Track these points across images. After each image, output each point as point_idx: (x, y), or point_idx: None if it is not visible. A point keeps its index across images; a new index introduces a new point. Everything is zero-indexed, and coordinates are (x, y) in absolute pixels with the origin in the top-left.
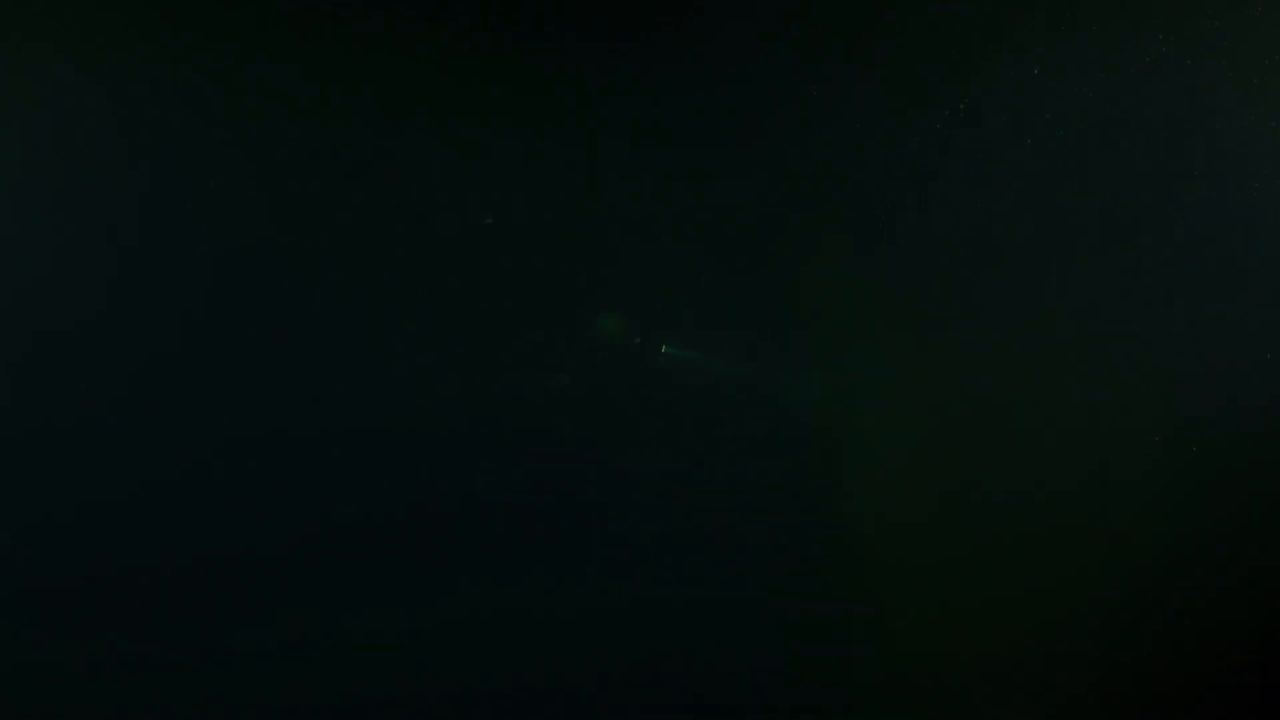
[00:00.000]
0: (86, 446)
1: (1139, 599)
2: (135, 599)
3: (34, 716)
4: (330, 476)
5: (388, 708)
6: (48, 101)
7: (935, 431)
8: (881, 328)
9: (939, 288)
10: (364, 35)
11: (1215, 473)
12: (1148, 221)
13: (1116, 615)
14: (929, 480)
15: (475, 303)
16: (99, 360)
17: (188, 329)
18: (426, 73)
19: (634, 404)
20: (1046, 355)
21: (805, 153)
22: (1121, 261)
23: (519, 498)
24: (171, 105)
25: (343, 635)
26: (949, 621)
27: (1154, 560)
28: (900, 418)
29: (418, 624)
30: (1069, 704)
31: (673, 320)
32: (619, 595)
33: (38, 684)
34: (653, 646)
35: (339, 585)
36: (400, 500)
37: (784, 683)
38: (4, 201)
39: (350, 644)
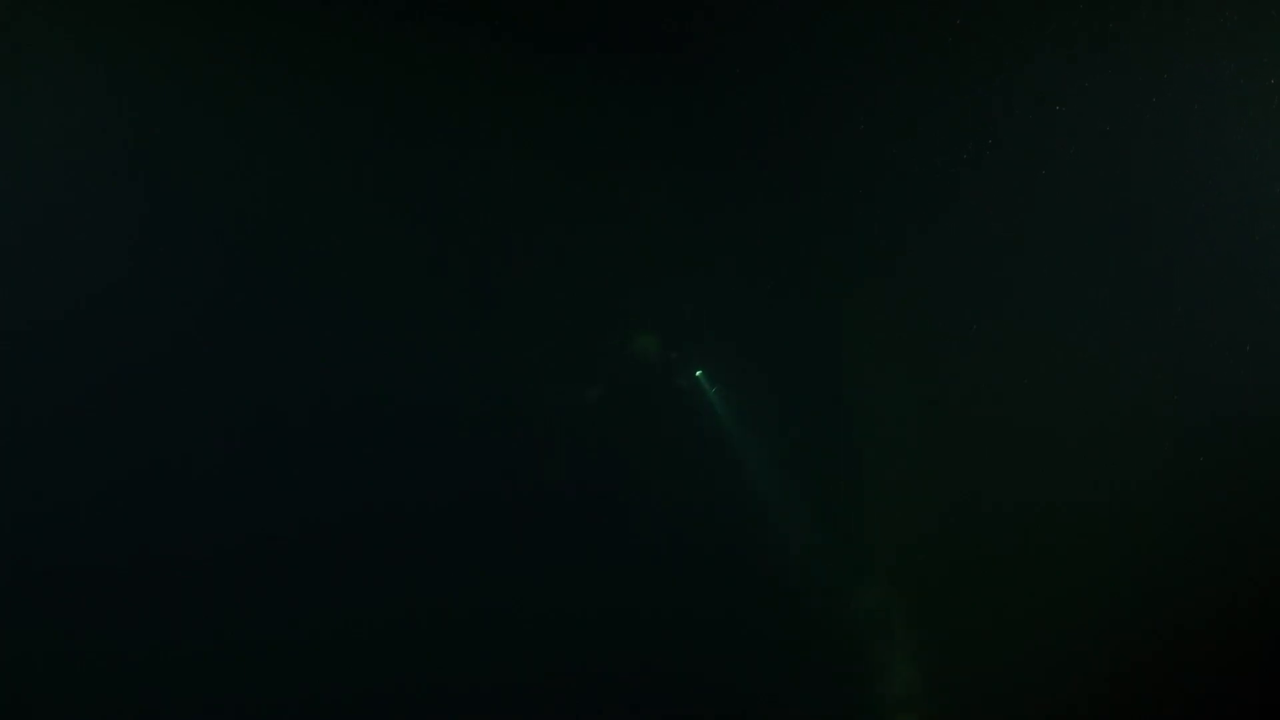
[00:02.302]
0: (91, 444)
1: (1148, 604)
2: (149, 592)
3: (35, 712)
4: (360, 480)
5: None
6: (53, 101)
7: (951, 439)
8: (897, 338)
9: (955, 300)
10: (415, 55)
11: (1228, 479)
12: (1160, 235)
13: (1126, 620)
14: (943, 486)
15: (509, 316)
16: (107, 358)
17: (223, 330)
18: (468, 89)
19: (659, 419)
20: (1059, 364)
21: (831, 171)
22: (1136, 274)
23: (544, 504)
24: (198, 111)
25: (357, 629)
26: (960, 625)
27: (1163, 565)
28: (915, 426)
29: (437, 618)
30: (1078, 707)
31: (702, 336)
32: (638, 600)
33: (38, 678)
34: (664, 647)
35: (358, 582)
36: (427, 503)
37: (796, 681)
38: (10, 201)
39: (360, 637)
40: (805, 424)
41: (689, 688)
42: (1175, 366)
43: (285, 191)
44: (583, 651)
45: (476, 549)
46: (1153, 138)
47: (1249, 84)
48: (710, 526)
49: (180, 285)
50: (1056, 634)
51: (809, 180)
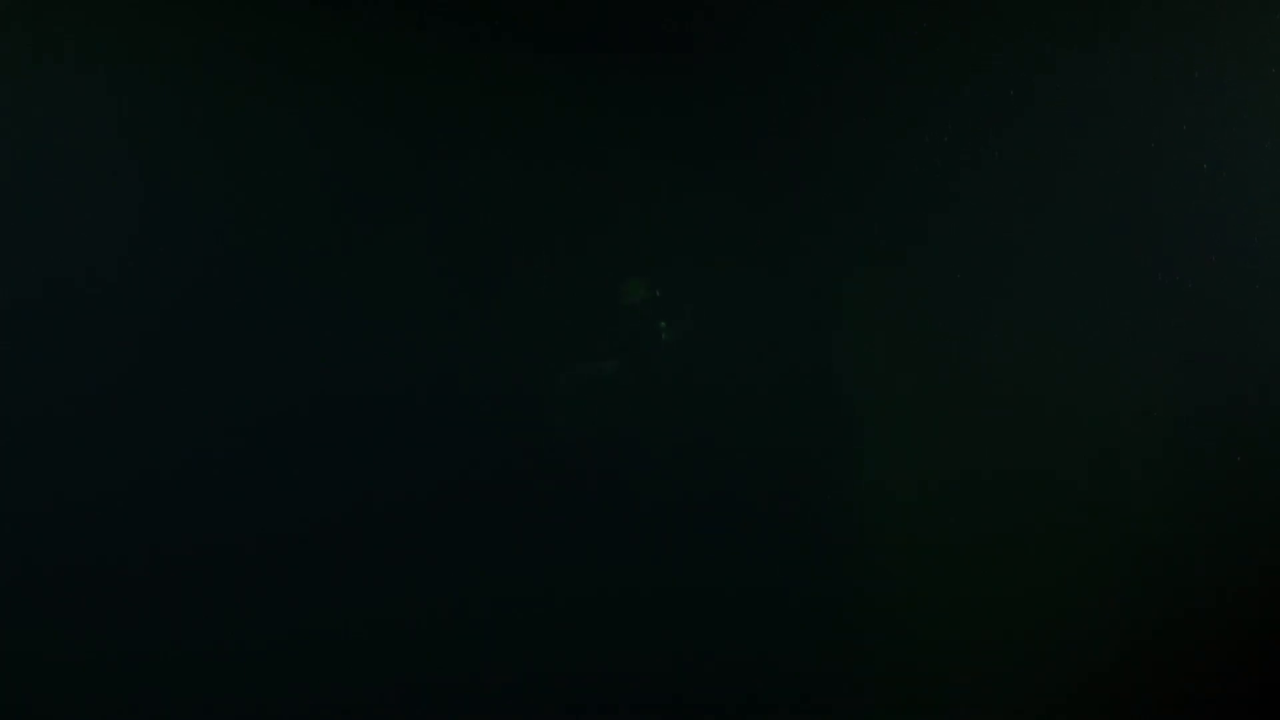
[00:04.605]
0: (89, 443)
1: (1149, 597)
2: (148, 591)
3: (35, 712)
4: (360, 478)
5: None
6: (52, 100)
7: (953, 428)
8: (898, 335)
9: (955, 299)
10: (415, 54)
11: (1228, 473)
12: (1165, 232)
13: (1126, 612)
14: (945, 476)
15: (510, 316)
16: (105, 357)
17: (223, 328)
18: (468, 89)
19: (668, 391)
20: (1060, 356)
21: (832, 171)
22: (1140, 271)
23: (545, 500)
24: (198, 111)
25: (357, 629)
26: (961, 614)
27: (1163, 558)
28: (916, 413)
29: (439, 614)
30: (1078, 701)
31: (701, 310)
32: (641, 585)
33: (38, 678)
34: (671, 637)
35: (358, 581)
36: (427, 501)
37: (795, 673)
38: (9, 200)
39: (360, 637)
40: (805, 419)
41: (688, 686)
42: (1181, 363)
43: (285, 191)
44: (583, 650)
45: (477, 547)
46: (1156, 135)
47: (1253, 79)
48: (709, 522)
49: (179, 284)
50: (1066, 632)
51: (810, 179)
